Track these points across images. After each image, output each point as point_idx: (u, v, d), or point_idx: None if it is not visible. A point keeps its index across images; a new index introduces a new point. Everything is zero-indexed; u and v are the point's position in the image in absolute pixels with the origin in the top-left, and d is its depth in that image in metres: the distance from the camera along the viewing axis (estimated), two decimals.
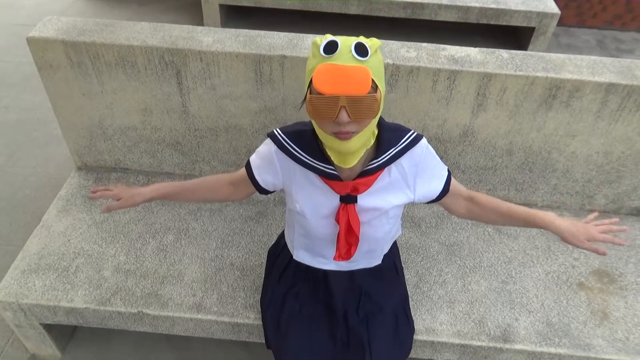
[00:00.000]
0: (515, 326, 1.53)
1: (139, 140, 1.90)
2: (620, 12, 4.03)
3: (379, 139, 1.14)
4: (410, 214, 1.89)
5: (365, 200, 1.19)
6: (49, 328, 1.70)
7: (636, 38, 4.05)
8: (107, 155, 1.96)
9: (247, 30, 1.73)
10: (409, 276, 1.65)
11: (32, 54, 1.68)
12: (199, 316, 1.54)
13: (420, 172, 1.20)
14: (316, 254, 1.35)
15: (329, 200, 1.20)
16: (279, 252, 1.51)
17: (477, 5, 3.47)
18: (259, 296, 1.58)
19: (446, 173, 1.25)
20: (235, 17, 3.94)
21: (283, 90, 1.68)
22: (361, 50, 0.96)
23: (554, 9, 3.48)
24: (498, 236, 1.81)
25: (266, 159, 1.24)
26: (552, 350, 1.49)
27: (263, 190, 1.30)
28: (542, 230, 1.81)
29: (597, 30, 4.12)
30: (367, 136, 1.05)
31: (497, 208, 1.26)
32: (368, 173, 1.15)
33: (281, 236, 1.56)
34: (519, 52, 1.68)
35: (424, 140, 1.19)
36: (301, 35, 1.71)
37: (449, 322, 1.54)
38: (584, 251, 1.75)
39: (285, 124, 1.25)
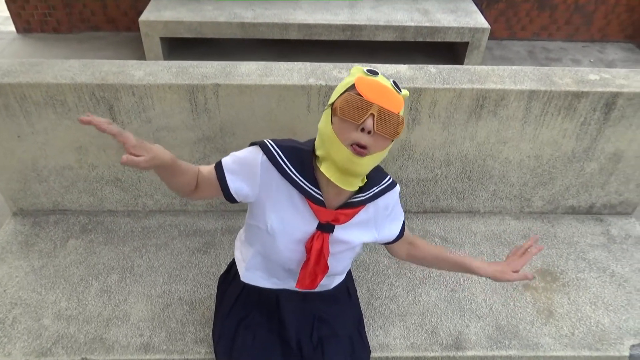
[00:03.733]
0: (467, 333, 1.56)
1: (76, 180, 1.85)
2: (546, 24, 4.28)
3: (366, 177, 1.18)
4: None
5: (340, 232, 1.20)
6: None
7: (562, 47, 4.30)
8: (43, 197, 1.89)
9: (180, 61, 1.73)
10: (361, 293, 1.66)
11: None
12: (147, 357, 1.48)
13: (389, 215, 1.28)
14: (271, 275, 1.33)
15: (306, 224, 1.18)
16: (230, 279, 1.48)
17: (413, 24, 3.61)
18: (210, 329, 1.54)
19: (402, 218, 1.33)
20: (177, 49, 3.93)
21: (220, 118, 1.68)
22: (397, 85, 1.08)
23: (484, 24, 3.66)
24: (445, 245, 1.84)
25: (246, 167, 1.15)
26: (503, 352, 1.52)
27: (230, 198, 1.17)
28: (487, 236, 1.88)
29: (527, 42, 4.35)
30: (374, 163, 1.08)
31: (433, 253, 1.37)
32: (351, 205, 1.17)
33: (232, 264, 1.53)
34: (446, 66, 1.75)
35: (397, 187, 1.27)
36: (234, 62, 1.73)
37: (402, 336, 1.54)
38: None
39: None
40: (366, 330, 1.53)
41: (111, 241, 1.83)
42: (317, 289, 1.36)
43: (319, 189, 1.15)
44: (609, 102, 1.68)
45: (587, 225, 1.95)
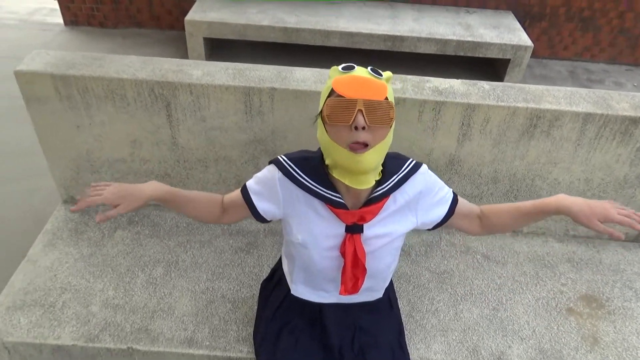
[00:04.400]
0: (509, 354, 1.54)
1: (127, 173, 1.89)
2: (589, 45, 4.22)
3: (382, 168, 1.16)
4: None
5: (371, 229, 1.19)
6: None
7: (605, 69, 4.24)
8: None
9: (236, 63, 1.76)
10: (402, 305, 1.65)
11: (19, 87, 1.67)
12: (191, 351, 1.51)
13: (424, 198, 1.22)
14: (317, 288, 1.34)
15: (334, 230, 1.19)
16: (272, 286, 1.50)
17: (455, 38, 3.60)
18: (252, 329, 1.56)
19: (451, 196, 1.26)
20: (219, 50, 4.00)
21: (272, 121, 1.71)
22: (376, 71, 1.06)
23: (527, 41, 3.63)
24: (487, 263, 1.83)
25: (267, 186, 1.21)
26: None
27: (261, 218, 1.26)
28: (530, 257, 1.86)
29: (569, 62, 4.30)
30: (379, 155, 1.06)
31: (507, 212, 1.25)
32: (374, 201, 1.16)
33: (274, 270, 1.54)
34: (499, 83, 1.75)
35: (424, 167, 1.22)
36: (289, 67, 1.75)
37: (443, 351, 1.54)
38: (571, 276, 1.79)
39: (274, 155, 1.26)
40: (407, 342, 1.52)
41: (157, 234, 1.86)
42: (363, 298, 1.37)
43: (337, 192, 1.15)
44: None
45: (634, 254, 1.92)
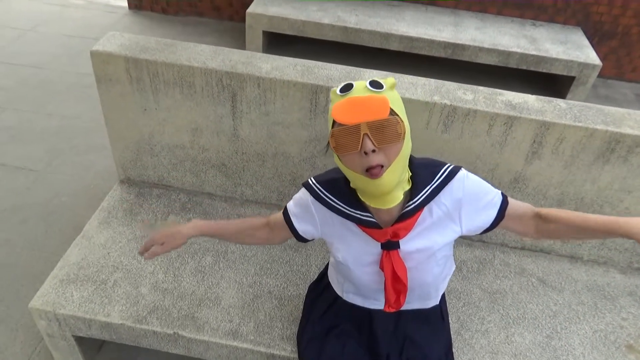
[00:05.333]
0: None
1: (184, 159, 1.91)
2: None
3: (413, 179, 1.11)
4: None
5: (408, 244, 1.15)
6: (80, 340, 1.68)
7: None
8: (151, 170, 1.97)
9: (305, 60, 1.75)
10: (451, 322, 1.60)
11: (93, 66, 1.71)
12: (235, 343, 1.50)
13: (466, 205, 1.14)
14: (369, 297, 1.32)
15: (370, 248, 1.17)
16: (321, 289, 1.48)
17: (519, 51, 3.49)
18: (296, 328, 1.54)
19: (500, 199, 1.16)
20: (276, 44, 4.01)
21: None
22: (375, 84, 1.00)
23: (596, 60, 3.48)
24: (542, 287, 1.75)
25: (303, 208, 1.23)
26: None
27: (302, 239, 1.28)
28: (589, 286, 1.77)
29: (636, 85, 4.10)
30: (399, 171, 1.02)
31: (570, 222, 1.11)
32: (407, 216, 1.11)
33: (323, 274, 1.53)
34: (576, 102, 1.67)
35: (462, 172, 1.14)
36: (358, 68, 1.73)
37: None
38: (632, 311, 1.69)
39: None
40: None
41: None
42: (417, 306, 1.33)
43: (367, 211, 1.12)
44: None
45: None
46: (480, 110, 1.58)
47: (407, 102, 1.59)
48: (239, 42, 4.08)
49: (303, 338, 1.42)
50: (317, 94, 1.63)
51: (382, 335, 1.34)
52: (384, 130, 0.96)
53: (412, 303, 1.31)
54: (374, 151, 0.97)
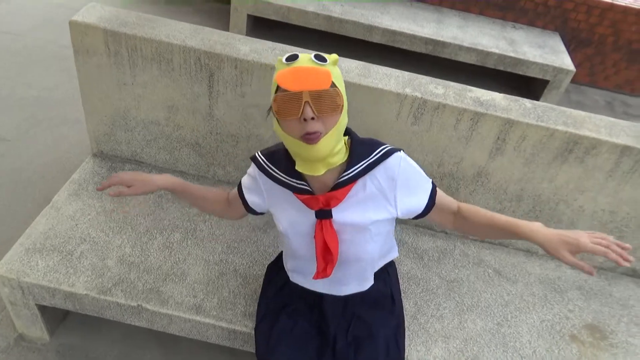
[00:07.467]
0: None
1: (159, 136, 1.93)
2: (632, 78, 4.15)
3: (350, 153, 1.17)
4: (413, 245, 1.91)
5: (341, 215, 1.20)
6: (43, 310, 1.70)
7: None
8: (124, 146, 1.98)
9: (284, 44, 1.78)
10: (408, 306, 1.67)
11: (71, 37, 1.71)
12: (198, 318, 1.54)
13: (400, 186, 1.20)
14: (307, 274, 1.35)
15: (306, 217, 1.22)
16: (277, 269, 1.53)
17: (497, 51, 3.57)
18: None
19: (430, 186, 1.25)
20: (260, 28, 4.01)
21: None
22: (320, 57, 1.07)
23: (570, 65, 3.58)
24: (497, 278, 1.84)
25: (253, 181, 1.31)
26: None
27: (252, 211, 1.35)
28: (541, 279, 1.86)
29: (607, 92, 4.24)
30: (334, 141, 1.08)
31: (483, 219, 1.24)
32: (340, 186, 1.17)
33: (280, 255, 1.57)
34: (541, 103, 1.74)
35: (399, 153, 1.20)
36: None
37: (443, 357, 1.55)
38: (579, 304, 1.79)
39: None
40: (407, 343, 1.55)
41: (178, 201, 1.90)
42: (354, 289, 1.38)
43: (304, 180, 1.19)
44: None
45: None
46: (449, 105, 1.64)
47: (379, 92, 1.64)
48: (222, 24, 4.06)
49: (258, 313, 1.47)
50: None
51: (332, 316, 1.40)
52: (324, 100, 1.03)
53: (350, 284, 1.36)
54: (313, 119, 1.03)
